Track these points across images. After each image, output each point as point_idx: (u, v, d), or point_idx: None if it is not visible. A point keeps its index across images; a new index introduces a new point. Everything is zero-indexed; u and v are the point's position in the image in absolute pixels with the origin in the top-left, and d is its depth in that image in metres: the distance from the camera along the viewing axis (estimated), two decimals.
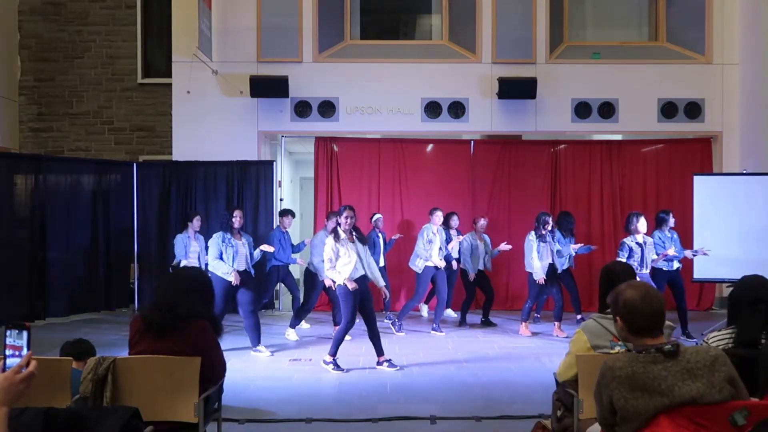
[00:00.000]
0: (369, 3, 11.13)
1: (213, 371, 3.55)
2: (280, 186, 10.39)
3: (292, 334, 8.17)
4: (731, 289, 3.61)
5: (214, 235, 7.37)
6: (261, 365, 6.87)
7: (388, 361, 6.68)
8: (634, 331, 2.53)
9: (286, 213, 8.82)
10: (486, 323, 8.97)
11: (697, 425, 2.39)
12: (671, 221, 8.16)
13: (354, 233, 6.57)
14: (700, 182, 8.67)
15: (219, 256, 7.23)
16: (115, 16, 11.93)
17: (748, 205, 8.52)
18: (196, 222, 8.51)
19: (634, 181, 10.35)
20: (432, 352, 7.42)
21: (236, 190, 9.95)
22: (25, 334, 1.87)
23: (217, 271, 7.17)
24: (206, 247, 7.79)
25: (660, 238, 8.07)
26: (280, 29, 10.18)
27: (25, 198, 9.16)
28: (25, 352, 1.86)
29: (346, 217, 6.48)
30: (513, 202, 10.31)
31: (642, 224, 7.77)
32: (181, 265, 8.07)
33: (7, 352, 1.86)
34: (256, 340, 7.33)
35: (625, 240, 7.85)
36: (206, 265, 7.66)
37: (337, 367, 6.57)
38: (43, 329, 8.57)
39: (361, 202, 10.09)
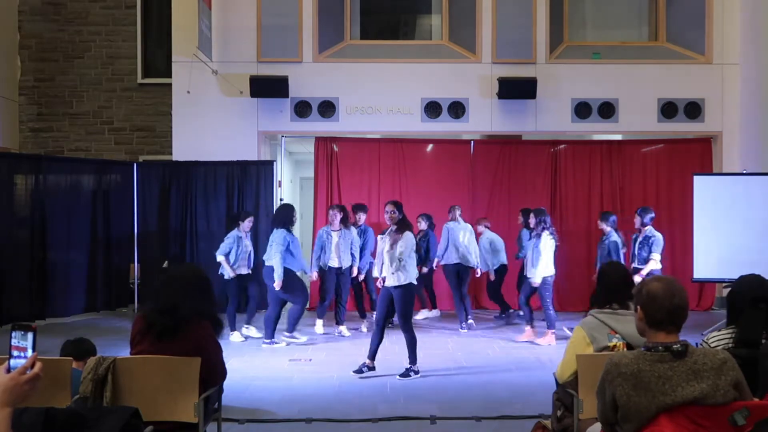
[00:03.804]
0: (369, 3, 11.13)
1: (212, 374, 3.53)
2: (280, 186, 10.40)
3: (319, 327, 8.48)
4: (729, 289, 3.61)
5: (282, 233, 7.54)
6: (261, 365, 6.87)
7: (369, 367, 6.43)
8: (652, 323, 2.52)
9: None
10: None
11: (698, 425, 2.39)
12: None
13: (395, 229, 6.33)
14: (700, 182, 8.66)
15: (288, 250, 7.50)
16: (115, 16, 11.92)
17: (748, 205, 8.51)
18: (248, 223, 8.27)
19: (634, 181, 10.35)
20: (432, 353, 7.40)
21: (236, 190, 9.95)
22: (30, 335, 1.87)
23: (291, 265, 7.54)
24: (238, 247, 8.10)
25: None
26: (280, 29, 10.17)
27: (25, 198, 9.16)
28: (30, 353, 1.86)
29: (386, 213, 6.37)
30: (513, 202, 10.30)
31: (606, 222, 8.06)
32: (229, 263, 8.04)
33: (13, 353, 1.86)
34: (271, 333, 7.66)
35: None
36: (263, 263, 7.86)
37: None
38: (43, 329, 8.55)
39: (360, 202, 10.09)
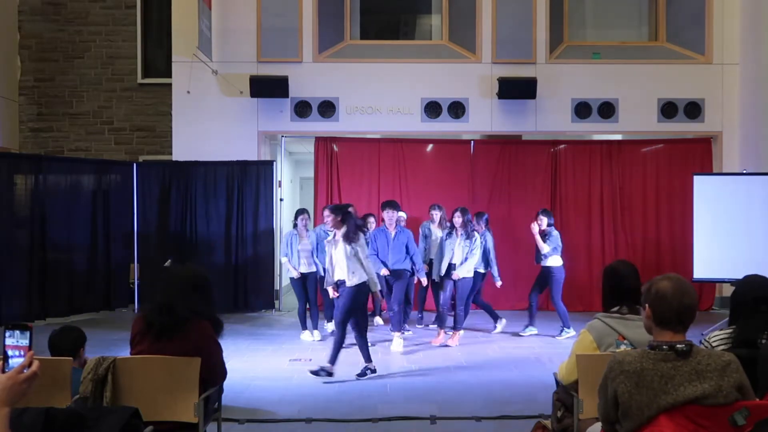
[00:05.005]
0: (369, 3, 11.13)
1: (213, 374, 3.53)
2: (280, 186, 10.40)
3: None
4: (734, 288, 3.60)
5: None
6: (261, 365, 6.87)
7: (372, 370, 6.40)
8: (659, 321, 2.51)
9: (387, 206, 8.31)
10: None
11: (697, 425, 2.39)
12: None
13: (343, 233, 6.22)
14: (700, 182, 8.66)
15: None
16: (115, 16, 11.92)
17: (748, 205, 8.51)
18: (301, 221, 8.15)
19: (634, 181, 10.34)
20: (432, 353, 7.42)
21: (236, 190, 9.96)
22: (27, 334, 1.88)
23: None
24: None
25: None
26: (280, 29, 10.17)
27: (25, 198, 9.16)
28: (27, 352, 1.86)
29: (327, 217, 6.26)
30: (513, 202, 10.30)
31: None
32: (289, 262, 8.04)
33: (10, 353, 1.86)
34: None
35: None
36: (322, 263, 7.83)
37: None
38: (43, 329, 8.53)
39: (360, 202, 10.08)
